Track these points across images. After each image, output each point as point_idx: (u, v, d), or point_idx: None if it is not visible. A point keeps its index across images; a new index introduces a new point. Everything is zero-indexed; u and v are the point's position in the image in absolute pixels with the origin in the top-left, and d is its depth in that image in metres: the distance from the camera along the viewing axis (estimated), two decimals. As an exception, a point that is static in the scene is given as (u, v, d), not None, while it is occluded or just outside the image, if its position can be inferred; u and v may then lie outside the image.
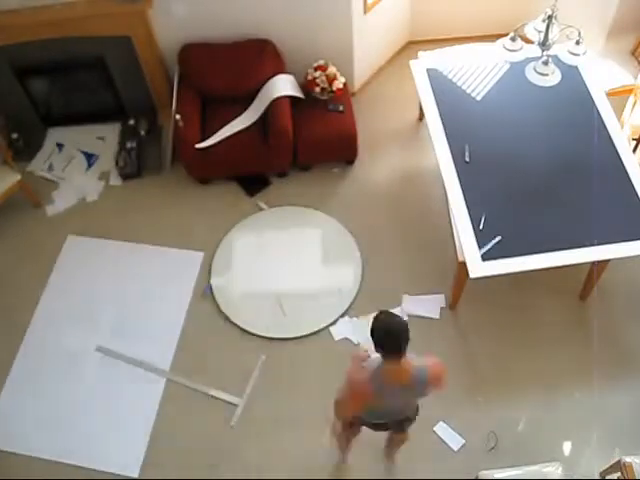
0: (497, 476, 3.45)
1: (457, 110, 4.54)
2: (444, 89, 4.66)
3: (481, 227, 3.98)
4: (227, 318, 4.44)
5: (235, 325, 4.42)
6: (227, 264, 4.69)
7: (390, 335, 2.60)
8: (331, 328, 4.39)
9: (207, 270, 4.67)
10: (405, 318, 4.38)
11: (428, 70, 4.79)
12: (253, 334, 4.38)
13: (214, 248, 4.77)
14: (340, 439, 3.50)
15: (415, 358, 2.77)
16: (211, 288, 4.53)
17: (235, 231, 4.85)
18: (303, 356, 4.29)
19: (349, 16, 4.89)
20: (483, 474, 3.48)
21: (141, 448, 3.96)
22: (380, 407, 2.93)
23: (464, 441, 3.92)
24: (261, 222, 4.90)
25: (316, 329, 4.38)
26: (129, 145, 5.18)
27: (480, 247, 3.89)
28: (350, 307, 4.47)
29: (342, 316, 4.43)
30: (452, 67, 4.80)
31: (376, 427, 3.22)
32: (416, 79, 4.78)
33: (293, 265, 4.68)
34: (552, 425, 3.97)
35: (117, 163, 5.16)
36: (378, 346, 2.63)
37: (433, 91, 4.66)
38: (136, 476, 3.88)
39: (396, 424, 3.21)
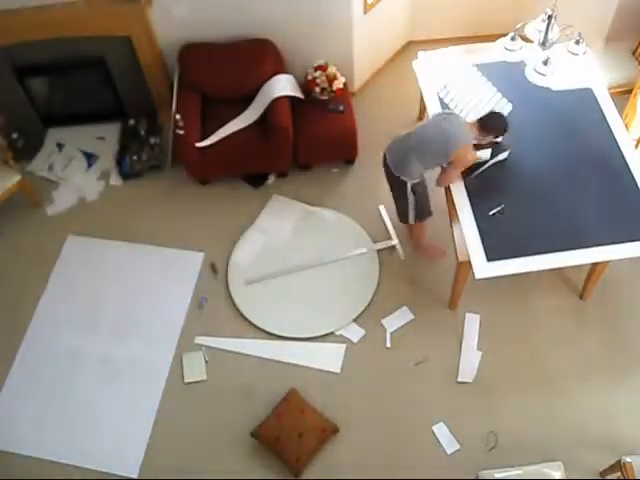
0: (497, 476, 3.46)
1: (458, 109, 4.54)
2: (446, 89, 4.66)
3: (484, 227, 3.97)
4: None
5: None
6: (243, 261, 4.71)
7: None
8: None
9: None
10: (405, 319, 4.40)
11: (431, 70, 4.78)
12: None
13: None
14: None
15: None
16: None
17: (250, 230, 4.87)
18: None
19: (349, 16, 4.89)
20: (483, 474, 3.48)
21: (141, 448, 3.97)
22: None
23: (458, 446, 3.91)
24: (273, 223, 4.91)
25: (330, 330, 4.39)
26: (152, 141, 5.18)
27: (484, 245, 3.91)
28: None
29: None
30: (453, 67, 4.79)
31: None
32: (419, 79, 4.77)
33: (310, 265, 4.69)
34: (552, 425, 3.97)
35: (139, 157, 5.15)
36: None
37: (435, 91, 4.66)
38: (136, 476, 3.89)
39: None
